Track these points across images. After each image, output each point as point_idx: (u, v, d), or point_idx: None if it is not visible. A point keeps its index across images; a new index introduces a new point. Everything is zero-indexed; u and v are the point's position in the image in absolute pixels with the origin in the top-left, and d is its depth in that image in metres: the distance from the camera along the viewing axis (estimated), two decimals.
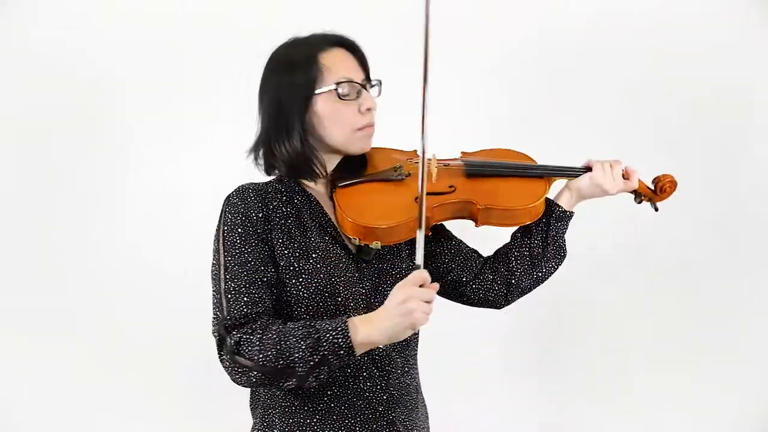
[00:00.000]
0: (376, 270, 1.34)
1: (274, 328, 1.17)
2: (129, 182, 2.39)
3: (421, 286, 1.15)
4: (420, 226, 1.17)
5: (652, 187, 1.50)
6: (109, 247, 2.38)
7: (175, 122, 2.37)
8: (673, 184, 1.48)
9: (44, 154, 2.35)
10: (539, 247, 1.44)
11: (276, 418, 1.30)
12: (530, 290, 1.49)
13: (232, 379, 1.18)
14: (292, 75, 1.27)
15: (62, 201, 2.36)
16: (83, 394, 2.39)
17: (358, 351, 1.15)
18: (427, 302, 1.14)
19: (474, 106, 2.36)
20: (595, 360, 2.47)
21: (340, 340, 1.14)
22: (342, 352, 1.14)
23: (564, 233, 1.46)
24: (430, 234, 1.35)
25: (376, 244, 1.30)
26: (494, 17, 2.36)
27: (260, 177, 1.39)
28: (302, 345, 1.13)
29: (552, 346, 2.49)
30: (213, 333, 1.20)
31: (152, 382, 2.39)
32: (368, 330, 1.15)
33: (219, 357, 1.19)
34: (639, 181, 1.48)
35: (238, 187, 1.29)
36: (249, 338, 1.15)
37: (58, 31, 2.32)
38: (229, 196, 1.27)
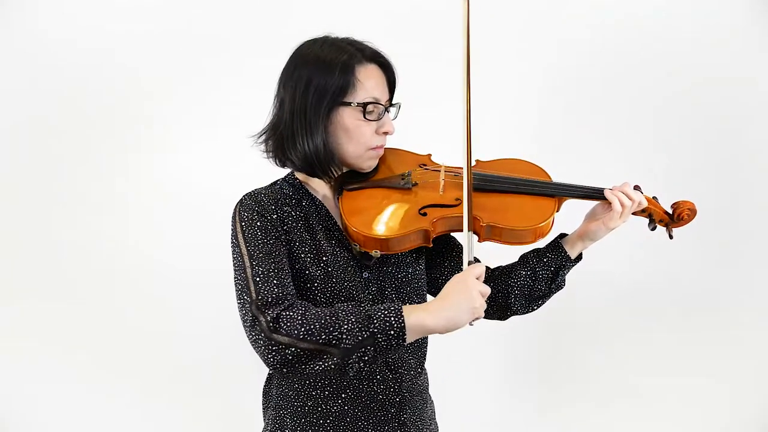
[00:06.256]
0: (381, 273, 1.35)
1: (316, 308, 1.16)
2: (134, 182, 2.41)
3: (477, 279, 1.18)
4: (469, 229, 1.23)
5: (670, 212, 1.43)
6: (115, 248, 2.40)
7: (181, 122, 2.39)
8: (692, 212, 1.40)
9: (48, 155, 2.37)
10: (541, 291, 1.43)
11: (287, 418, 1.33)
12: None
13: (264, 360, 1.14)
14: (327, 77, 1.26)
15: (68, 201, 2.38)
16: (89, 395, 2.43)
17: (409, 336, 1.15)
18: (483, 294, 1.17)
19: (499, 113, 2.35)
20: (596, 361, 2.48)
21: (392, 318, 1.13)
22: (392, 332, 1.12)
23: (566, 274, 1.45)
24: (431, 246, 1.35)
25: (375, 253, 1.30)
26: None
27: (265, 175, 1.40)
28: (352, 318, 1.13)
29: (554, 346, 2.50)
30: (243, 317, 1.17)
31: (161, 383, 2.43)
32: (422, 314, 1.15)
33: (252, 338, 1.14)
34: (657, 204, 1.42)
35: (249, 192, 1.30)
36: (289, 314, 1.13)
37: (60, 29, 2.33)
38: (241, 200, 1.28)
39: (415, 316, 1.14)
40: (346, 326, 1.12)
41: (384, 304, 1.16)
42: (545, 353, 2.50)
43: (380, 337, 1.12)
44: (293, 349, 1.11)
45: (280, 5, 2.34)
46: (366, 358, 1.13)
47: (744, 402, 2.41)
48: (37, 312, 2.39)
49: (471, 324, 1.19)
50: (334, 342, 1.11)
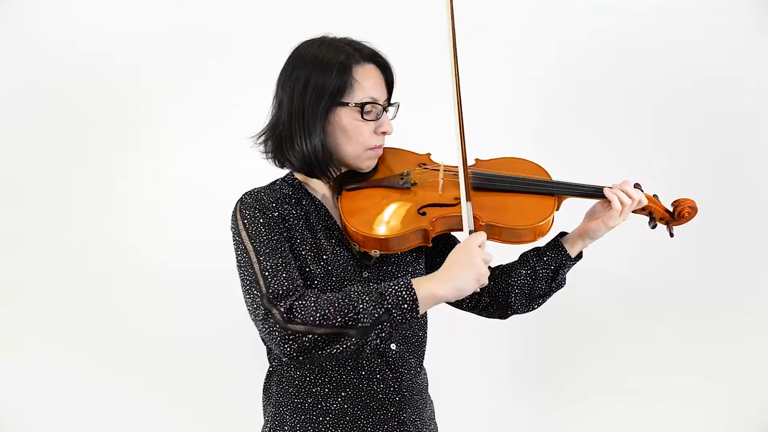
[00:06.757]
0: (381, 273, 1.35)
1: (326, 294, 1.18)
2: (134, 182, 2.40)
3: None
4: (468, 199, 1.23)
5: (671, 210, 1.43)
6: (115, 248, 2.40)
7: (181, 122, 2.38)
8: (693, 210, 1.40)
9: (48, 155, 2.36)
10: (542, 289, 1.43)
11: (287, 415, 1.33)
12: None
13: (281, 350, 1.15)
14: (324, 77, 1.26)
15: (68, 201, 2.37)
16: (89, 395, 2.42)
17: (422, 307, 1.17)
18: (486, 262, 1.19)
19: (498, 112, 2.35)
20: (596, 361, 2.48)
21: (404, 292, 1.16)
22: (406, 305, 1.15)
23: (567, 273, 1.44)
24: (431, 245, 1.35)
25: (375, 252, 1.30)
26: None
27: (265, 176, 1.40)
28: (365, 297, 1.15)
29: (554, 345, 2.50)
30: (254, 311, 1.18)
31: (161, 383, 2.42)
32: (430, 285, 1.18)
33: (265, 330, 1.15)
34: (657, 202, 1.42)
35: (248, 191, 1.30)
36: (302, 303, 1.15)
37: (60, 29, 2.32)
38: (241, 199, 1.28)
39: (426, 288, 1.17)
40: (361, 306, 1.14)
41: (393, 281, 1.19)
42: (545, 352, 2.50)
43: (395, 312, 1.15)
44: (310, 336, 1.13)
45: (280, 5, 2.34)
46: (383, 334, 1.15)
47: (744, 402, 2.41)
48: (37, 312, 2.38)
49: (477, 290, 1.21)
50: (350, 323, 1.13)
